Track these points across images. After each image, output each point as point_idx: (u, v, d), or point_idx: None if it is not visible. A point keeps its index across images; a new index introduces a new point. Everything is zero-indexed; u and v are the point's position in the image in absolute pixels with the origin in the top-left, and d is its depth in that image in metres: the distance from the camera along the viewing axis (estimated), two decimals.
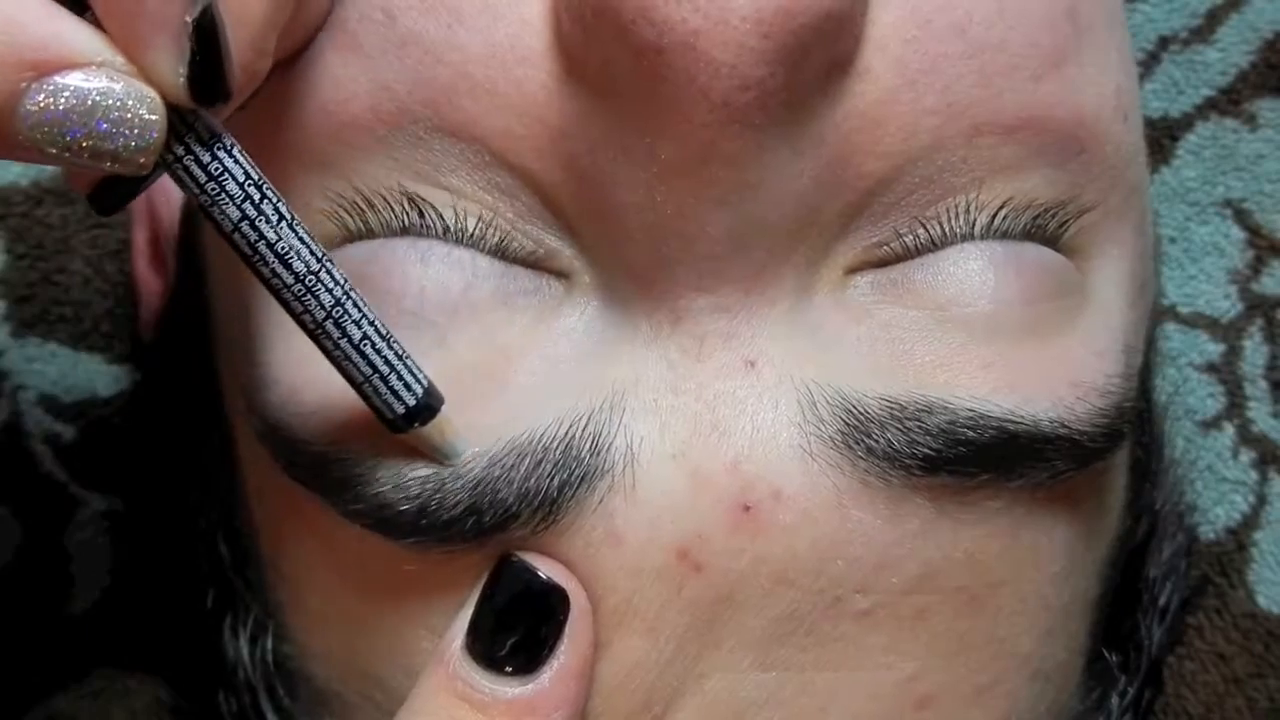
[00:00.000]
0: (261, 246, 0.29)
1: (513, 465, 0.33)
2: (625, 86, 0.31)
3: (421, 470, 0.33)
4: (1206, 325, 0.50)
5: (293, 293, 0.30)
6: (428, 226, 0.34)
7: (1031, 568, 0.35)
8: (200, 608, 0.41)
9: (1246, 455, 0.49)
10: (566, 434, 0.33)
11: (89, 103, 0.25)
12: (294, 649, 0.39)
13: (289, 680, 0.39)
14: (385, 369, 0.32)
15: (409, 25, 0.33)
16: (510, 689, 0.33)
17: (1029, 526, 0.35)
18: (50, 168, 0.48)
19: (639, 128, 0.32)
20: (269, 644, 0.39)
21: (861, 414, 0.33)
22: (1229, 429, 0.49)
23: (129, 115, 0.26)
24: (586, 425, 0.33)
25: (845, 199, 0.34)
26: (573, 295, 0.34)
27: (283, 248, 0.30)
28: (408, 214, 0.34)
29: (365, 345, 0.31)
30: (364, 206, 0.34)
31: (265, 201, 0.29)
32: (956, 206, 0.34)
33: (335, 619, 0.37)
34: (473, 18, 0.33)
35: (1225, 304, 0.50)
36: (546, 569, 0.33)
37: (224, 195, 0.29)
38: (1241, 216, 0.50)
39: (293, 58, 0.35)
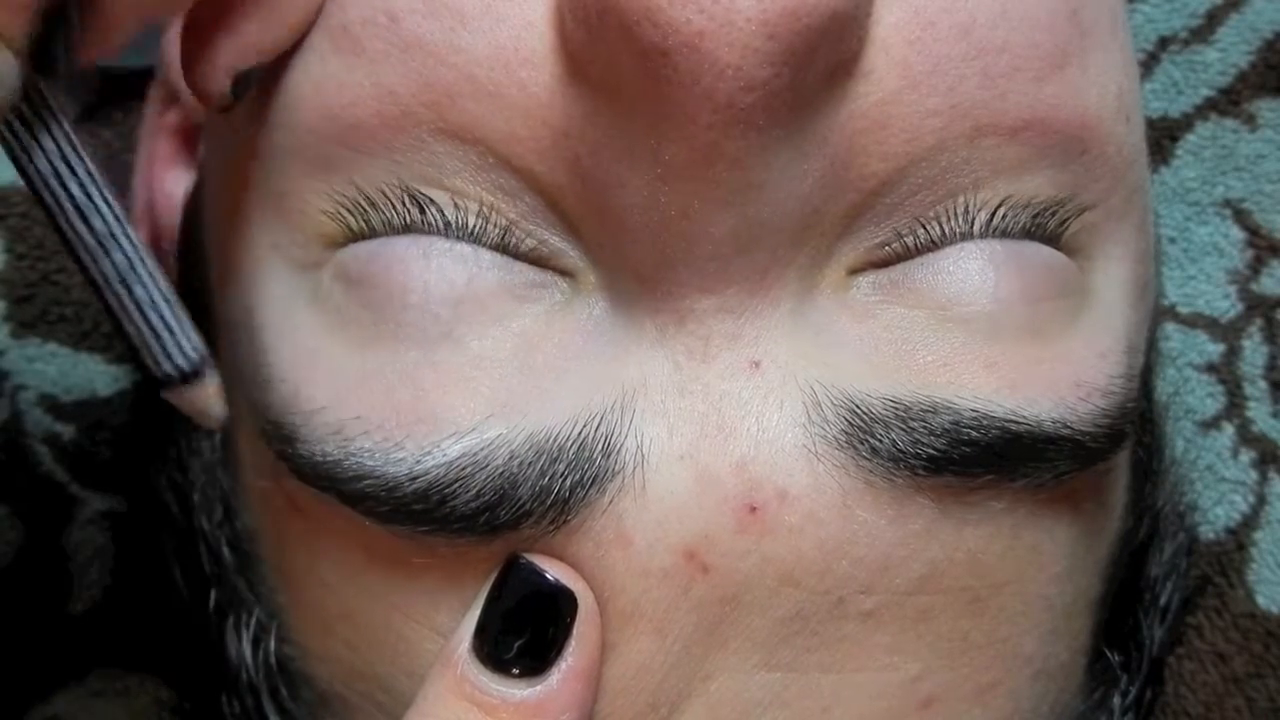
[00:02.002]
0: (65, 202, 0.31)
1: (530, 462, 0.33)
2: (629, 88, 0.31)
3: (437, 462, 0.33)
4: (1206, 325, 0.50)
5: (87, 247, 0.32)
6: (429, 223, 0.34)
7: (1034, 568, 0.36)
8: (203, 609, 0.41)
9: (1246, 455, 0.49)
10: (580, 434, 0.33)
11: None
12: (297, 651, 0.39)
13: (292, 682, 0.39)
14: (164, 331, 0.33)
15: (412, 28, 0.33)
16: (518, 691, 0.33)
17: (1032, 527, 0.35)
18: None
19: (643, 129, 0.32)
20: (272, 645, 0.39)
21: (866, 414, 0.33)
22: (1229, 429, 0.49)
23: None
24: (599, 426, 0.33)
25: (848, 200, 0.34)
26: (579, 293, 0.35)
27: (85, 205, 0.31)
28: (409, 211, 0.34)
29: (148, 308, 0.33)
30: (365, 205, 0.34)
31: (78, 163, 0.31)
32: (956, 206, 0.34)
33: (338, 620, 0.37)
34: (476, 20, 0.33)
35: (1225, 304, 0.50)
36: (554, 570, 0.33)
37: (40, 151, 0.31)
38: (1241, 216, 0.50)
39: (290, 57, 0.35)
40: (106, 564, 0.52)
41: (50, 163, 0.31)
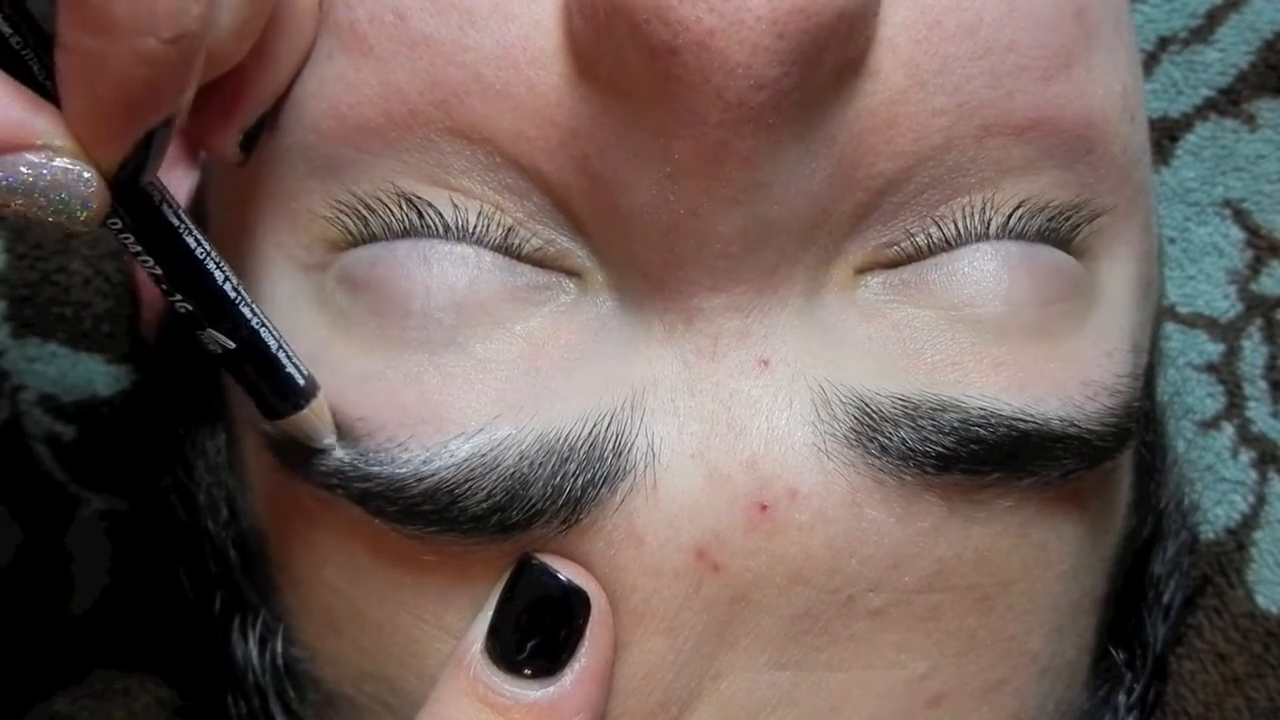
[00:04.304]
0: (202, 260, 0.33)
1: (541, 463, 0.33)
2: (638, 86, 0.31)
3: (446, 463, 0.33)
4: (1206, 325, 0.50)
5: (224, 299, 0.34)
6: (428, 226, 0.34)
7: (1041, 566, 0.36)
8: (208, 610, 0.41)
9: (1246, 455, 0.49)
10: (591, 434, 0.33)
11: (33, 178, 0.30)
12: (304, 652, 0.39)
13: (299, 683, 0.39)
14: (286, 362, 0.35)
15: (420, 27, 0.33)
16: (531, 691, 0.33)
17: (1039, 525, 0.35)
18: None
19: (652, 128, 0.32)
20: (278, 647, 0.39)
21: (875, 412, 0.33)
22: (1228, 429, 0.49)
23: (69, 190, 0.30)
24: (609, 425, 0.33)
25: (856, 199, 0.34)
26: (587, 293, 0.35)
27: (210, 268, 0.33)
28: (407, 215, 0.34)
29: (269, 326, 0.34)
30: (364, 211, 0.34)
31: (190, 234, 0.33)
32: (971, 206, 0.34)
33: (346, 621, 0.37)
34: (484, 19, 0.33)
35: (1224, 304, 0.50)
36: (567, 571, 0.33)
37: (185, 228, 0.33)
38: (1241, 217, 0.50)
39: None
40: (106, 564, 0.52)
41: (187, 237, 0.33)
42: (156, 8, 0.28)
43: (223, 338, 0.34)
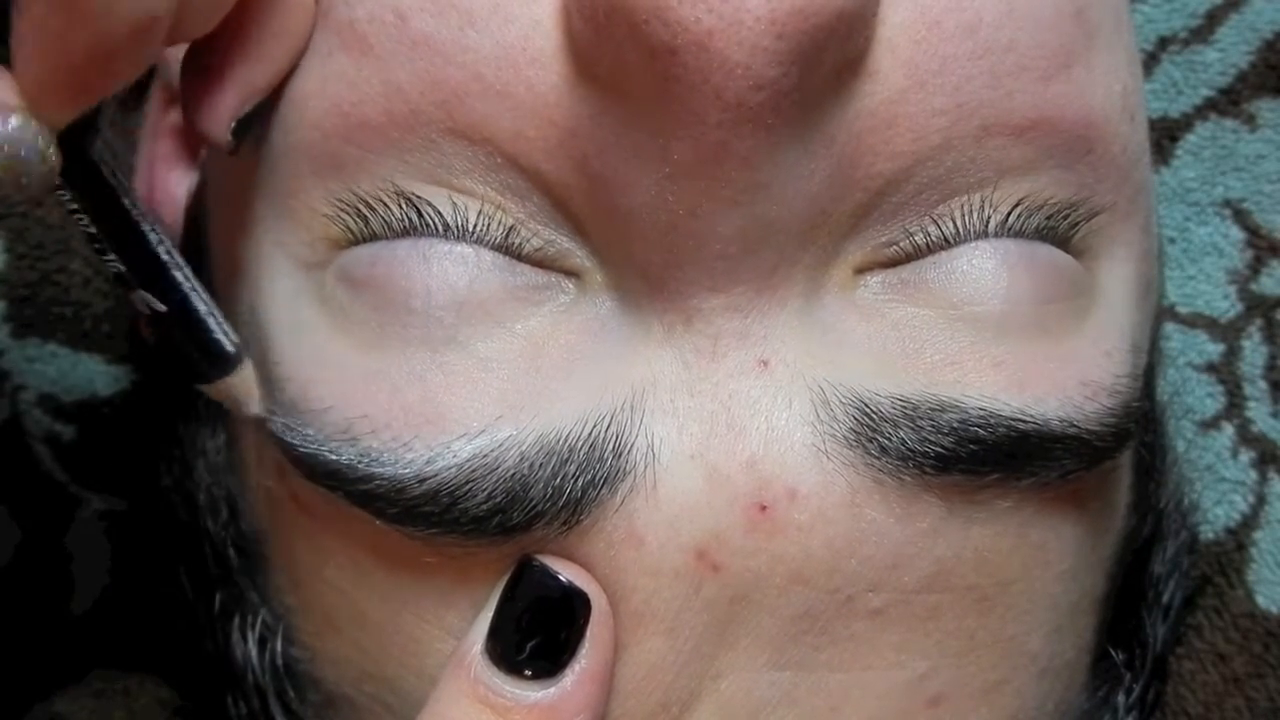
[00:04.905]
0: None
1: (541, 464, 0.33)
2: (637, 87, 0.31)
3: (448, 464, 0.33)
4: (1206, 325, 0.50)
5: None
6: (427, 225, 0.34)
7: (1040, 566, 0.36)
8: (208, 610, 0.41)
9: (1246, 455, 0.49)
10: (590, 434, 0.33)
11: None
12: (304, 652, 0.39)
13: (299, 683, 0.39)
14: (213, 324, 0.36)
15: (420, 27, 0.33)
16: (532, 693, 0.33)
17: (1038, 525, 0.35)
18: None
19: (651, 128, 0.32)
20: (278, 647, 0.39)
21: (874, 413, 0.33)
22: (1228, 429, 0.49)
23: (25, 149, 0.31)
24: (609, 426, 0.33)
25: (855, 199, 0.34)
26: (586, 294, 0.35)
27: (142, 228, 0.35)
28: (407, 214, 0.34)
29: (199, 292, 0.36)
30: (364, 210, 0.34)
31: (126, 196, 0.34)
32: (970, 204, 0.34)
33: (347, 621, 0.37)
34: (484, 19, 0.33)
35: (1224, 304, 0.50)
36: (567, 572, 0.33)
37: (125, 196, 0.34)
38: (1241, 217, 0.50)
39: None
40: (106, 564, 0.52)
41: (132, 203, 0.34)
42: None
43: (154, 300, 0.34)
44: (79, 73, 0.29)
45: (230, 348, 0.35)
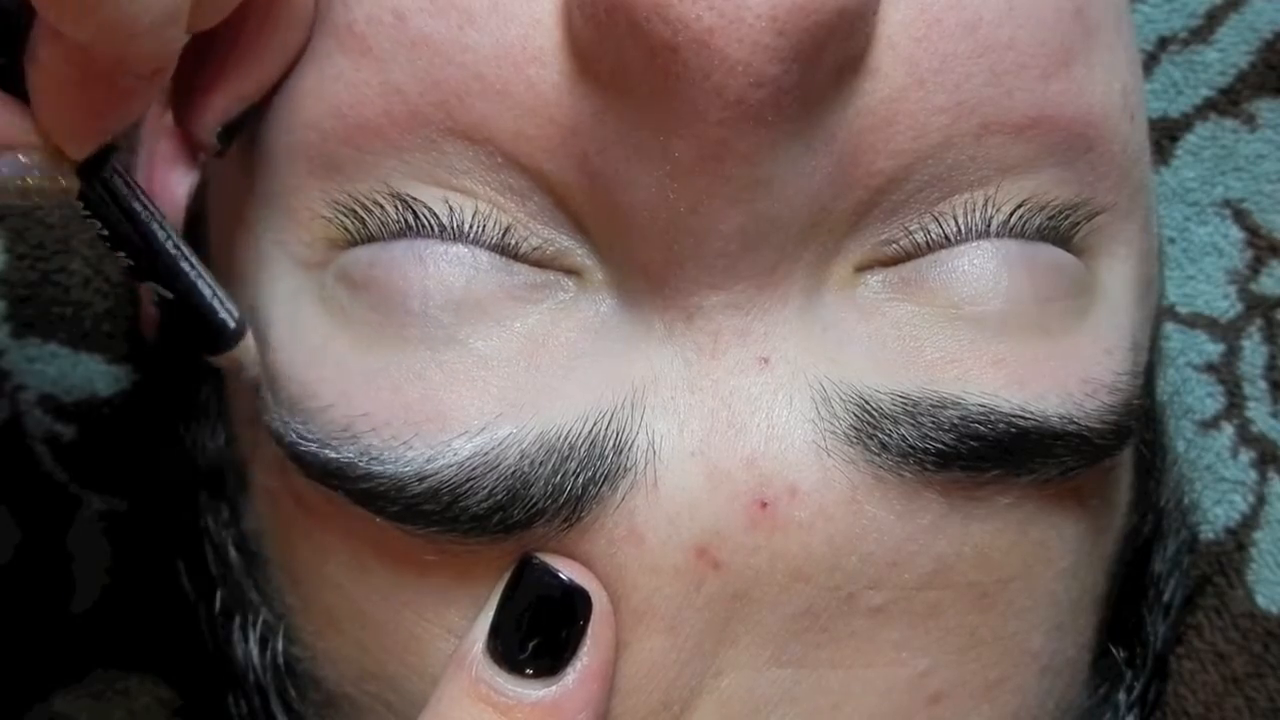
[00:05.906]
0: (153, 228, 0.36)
1: (542, 461, 0.33)
2: (638, 85, 0.31)
3: (448, 462, 0.33)
4: (1205, 325, 0.50)
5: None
6: (423, 226, 0.34)
7: (1041, 563, 0.36)
8: (209, 610, 0.41)
9: (1246, 455, 0.49)
10: (591, 431, 0.33)
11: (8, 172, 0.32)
12: (305, 651, 0.39)
13: (300, 683, 0.39)
14: (215, 297, 0.37)
15: (419, 26, 0.33)
16: (534, 691, 0.33)
17: (1038, 523, 0.35)
18: None
19: (652, 126, 0.32)
20: (279, 646, 0.39)
21: (875, 410, 0.33)
22: (1228, 429, 0.49)
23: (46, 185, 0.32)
24: (610, 423, 0.33)
25: (856, 196, 0.34)
26: (586, 291, 0.35)
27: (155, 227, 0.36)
28: (403, 216, 0.34)
29: (204, 278, 0.37)
30: (360, 211, 0.34)
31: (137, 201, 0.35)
32: (972, 203, 0.34)
33: (347, 620, 0.37)
34: (483, 18, 0.33)
35: (1224, 304, 0.50)
36: (568, 570, 0.33)
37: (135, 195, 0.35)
38: (1241, 217, 0.50)
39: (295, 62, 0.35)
40: (106, 564, 0.52)
41: (142, 205, 0.35)
42: (139, 50, 0.29)
43: (162, 289, 0.36)
44: (93, 116, 0.30)
45: (233, 324, 0.37)
